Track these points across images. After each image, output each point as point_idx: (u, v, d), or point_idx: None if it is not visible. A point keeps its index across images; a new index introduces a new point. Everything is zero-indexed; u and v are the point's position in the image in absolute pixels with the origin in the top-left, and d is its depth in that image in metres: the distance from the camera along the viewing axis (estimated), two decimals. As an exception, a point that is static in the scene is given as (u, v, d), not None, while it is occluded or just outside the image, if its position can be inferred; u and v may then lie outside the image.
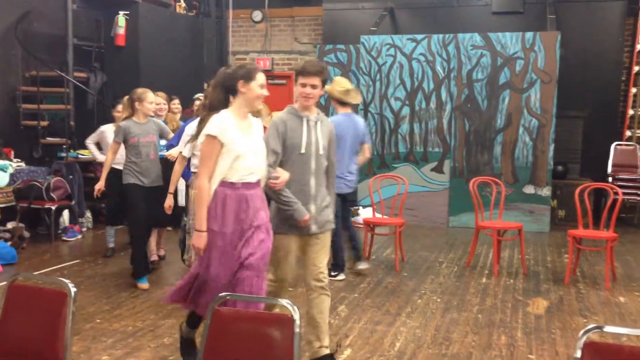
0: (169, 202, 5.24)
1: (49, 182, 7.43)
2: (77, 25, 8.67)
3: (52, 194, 7.41)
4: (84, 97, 8.88)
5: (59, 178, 7.63)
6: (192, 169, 4.96)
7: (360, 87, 9.05)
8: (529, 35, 8.42)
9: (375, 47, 8.99)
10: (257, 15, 11.06)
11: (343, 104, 5.73)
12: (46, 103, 8.56)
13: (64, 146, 8.22)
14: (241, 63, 3.69)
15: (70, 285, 2.59)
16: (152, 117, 5.91)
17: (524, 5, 9.48)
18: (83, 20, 8.92)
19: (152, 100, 5.64)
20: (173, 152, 5.39)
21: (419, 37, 8.86)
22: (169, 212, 5.28)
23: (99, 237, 7.75)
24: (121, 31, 8.91)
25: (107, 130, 7.02)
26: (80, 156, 8.32)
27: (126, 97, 5.74)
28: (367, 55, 9.02)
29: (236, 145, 3.33)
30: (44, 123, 8.33)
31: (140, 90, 5.62)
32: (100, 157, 7.38)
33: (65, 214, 7.79)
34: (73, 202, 7.73)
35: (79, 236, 7.70)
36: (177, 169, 5.07)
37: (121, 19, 8.85)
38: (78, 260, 6.60)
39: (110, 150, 5.76)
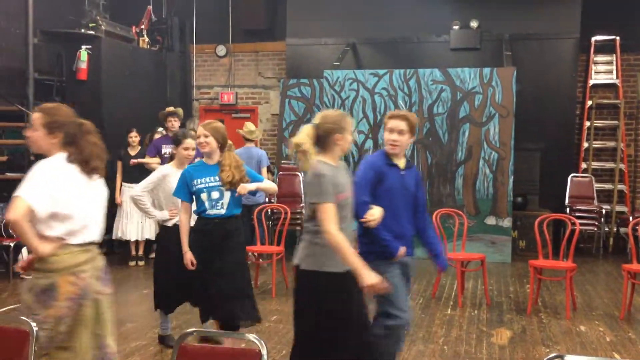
0: None
1: (7, 218, 7.26)
2: (38, 60, 8.58)
3: (10, 231, 7.24)
4: (45, 131, 8.73)
5: (18, 214, 7.45)
6: None
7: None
8: (486, 70, 8.68)
9: (338, 82, 9.13)
10: (221, 50, 11.15)
11: (248, 140, 8.21)
12: (5, 137, 8.41)
13: (24, 181, 8.05)
14: None
15: (33, 323, 2.54)
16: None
17: (480, 42, 9.78)
18: (44, 54, 8.83)
19: None
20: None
21: (381, 72, 9.04)
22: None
23: (58, 274, 7.56)
24: (83, 65, 8.86)
25: (171, 174, 4.68)
26: (40, 191, 8.15)
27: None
28: (330, 90, 9.16)
29: None
30: (3, 158, 8.17)
31: None
32: (164, 216, 4.73)
33: (24, 250, 7.58)
34: (32, 239, 7.54)
35: (38, 273, 7.50)
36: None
37: (83, 54, 8.82)
38: (37, 298, 6.42)
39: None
